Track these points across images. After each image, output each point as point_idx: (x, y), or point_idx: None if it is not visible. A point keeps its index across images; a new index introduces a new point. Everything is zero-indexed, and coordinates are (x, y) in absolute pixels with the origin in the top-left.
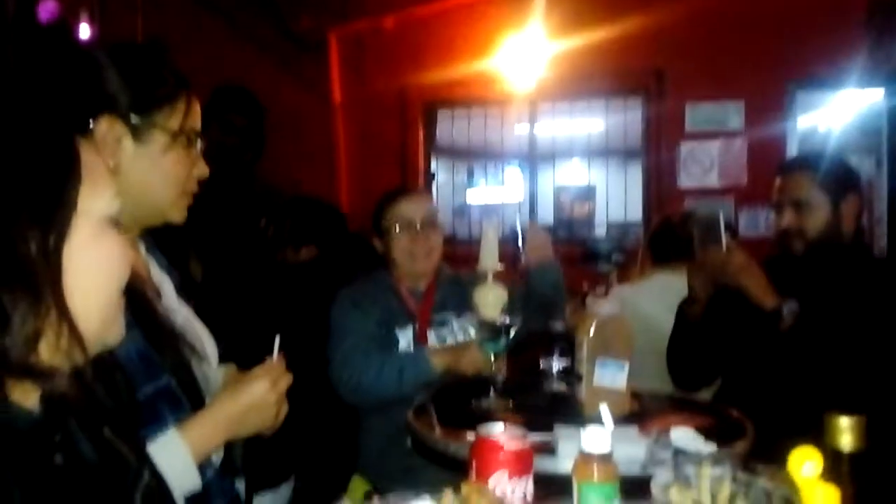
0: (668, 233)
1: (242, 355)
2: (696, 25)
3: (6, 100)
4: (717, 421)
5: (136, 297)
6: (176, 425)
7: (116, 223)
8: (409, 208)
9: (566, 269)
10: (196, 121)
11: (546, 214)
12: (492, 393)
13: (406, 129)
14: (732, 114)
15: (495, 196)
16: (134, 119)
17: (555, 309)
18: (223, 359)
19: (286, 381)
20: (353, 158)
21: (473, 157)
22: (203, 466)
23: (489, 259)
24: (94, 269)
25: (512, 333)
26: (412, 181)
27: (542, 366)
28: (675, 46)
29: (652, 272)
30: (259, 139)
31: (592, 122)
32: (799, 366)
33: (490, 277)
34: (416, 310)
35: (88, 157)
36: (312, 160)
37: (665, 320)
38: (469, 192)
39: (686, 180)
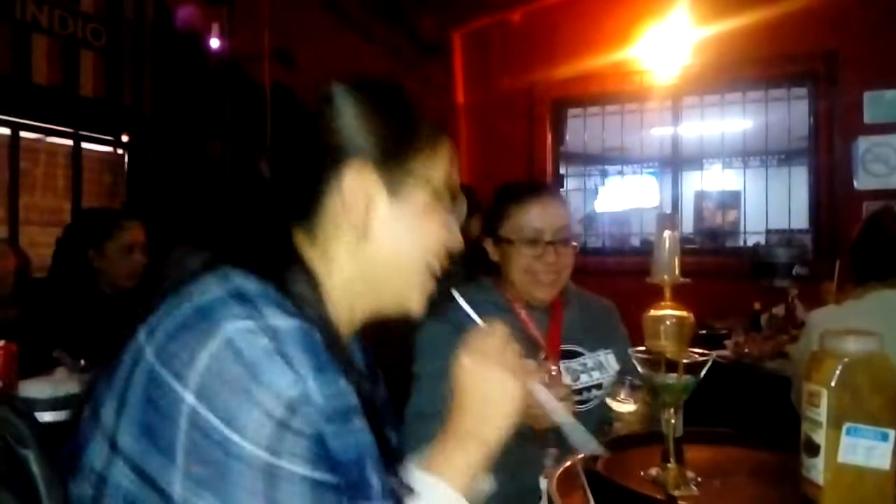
0: (883, 237)
1: None
2: None
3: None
4: None
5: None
6: (416, 465)
7: None
8: (538, 216)
9: (721, 284)
10: (457, 175)
11: (687, 223)
12: (671, 461)
13: (533, 130)
14: None
15: (631, 203)
16: (389, 166)
17: None
18: None
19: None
20: (476, 163)
21: (607, 160)
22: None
23: (666, 270)
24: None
25: (703, 372)
26: None
27: None
28: (849, 24)
29: (864, 290)
30: None
31: (746, 118)
32: None
33: (668, 295)
34: (541, 337)
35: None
36: None
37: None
38: (601, 199)
39: (865, 181)
